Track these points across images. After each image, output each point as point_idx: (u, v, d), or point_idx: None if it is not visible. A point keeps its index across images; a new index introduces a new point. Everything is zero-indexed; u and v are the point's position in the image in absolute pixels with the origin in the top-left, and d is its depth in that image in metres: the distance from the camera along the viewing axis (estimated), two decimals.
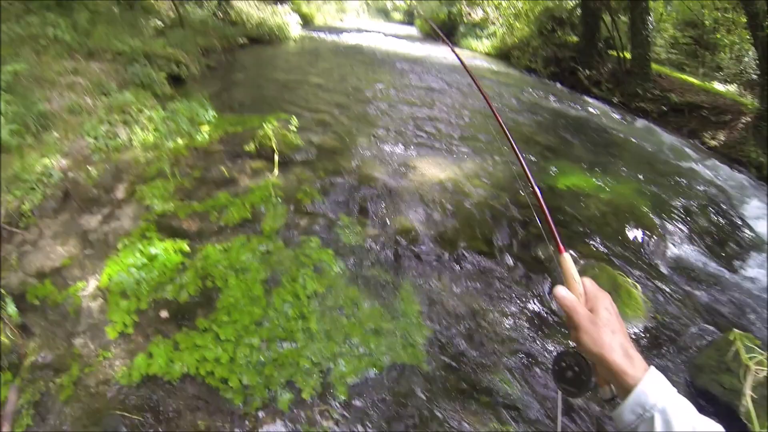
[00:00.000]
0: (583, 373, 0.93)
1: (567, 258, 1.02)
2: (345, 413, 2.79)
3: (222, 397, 2.80)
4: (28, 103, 4.86)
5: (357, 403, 2.85)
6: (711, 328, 3.72)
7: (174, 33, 9.72)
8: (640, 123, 10.30)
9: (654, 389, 0.82)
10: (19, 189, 4.13)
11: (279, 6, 17.31)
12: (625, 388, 0.85)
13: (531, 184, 1.19)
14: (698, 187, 6.52)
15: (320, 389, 2.89)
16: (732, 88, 12.19)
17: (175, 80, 7.84)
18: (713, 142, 9.08)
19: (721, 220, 5.69)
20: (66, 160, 4.73)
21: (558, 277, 3.72)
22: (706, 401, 3.06)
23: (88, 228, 4.04)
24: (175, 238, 3.88)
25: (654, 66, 11.93)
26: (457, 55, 2.01)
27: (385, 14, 45.71)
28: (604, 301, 0.94)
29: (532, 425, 2.83)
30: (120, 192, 4.57)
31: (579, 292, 0.97)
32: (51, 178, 4.30)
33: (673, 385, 0.85)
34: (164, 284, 3.46)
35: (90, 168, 4.70)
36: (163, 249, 3.74)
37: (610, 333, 0.88)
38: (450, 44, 2.16)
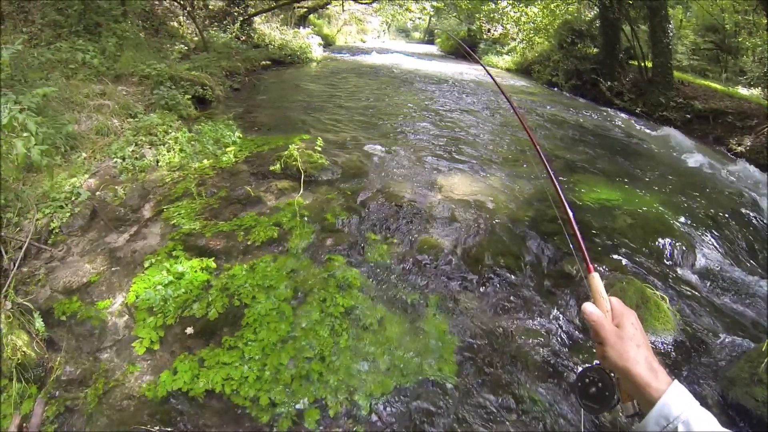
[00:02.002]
0: (606, 389, 0.96)
1: (596, 277, 1.07)
2: (372, 430, 2.76)
3: (248, 414, 2.78)
4: (57, 125, 5.01)
5: (384, 419, 2.81)
6: (743, 339, 3.58)
7: (198, 56, 10.01)
8: (665, 132, 10.15)
9: (677, 401, 0.84)
10: (48, 207, 4.24)
11: (301, 28, 17.70)
12: (648, 401, 0.87)
13: (563, 203, 1.23)
14: (726, 195, 6.36)
15: (348, 406, 2.84)
16: (756, 92, 11.99)
17: (200, 102, 8.03)
18: (740, 148, 8.90)
19: (750, 227, 5.54)
20: (94, 179, 4.86)
21: (585, 292, 3.65)
22: (738, 415, 2.94)
23: (115, 246, 4.11)
24: (201, 257, 3.91)
25: (676, 73, 11.83)
26: (491, 76, 2.04)
27: (405, 34, 46.29)
28: (630, 317, 0.97)
29: None
30: (147, 211, 4.65)
31: (606, 308, 1.01)
32: (79, 196, 4.40)
33: (705, 399, 0.85)
34: (191, 302, 3.47)
35: (117, 187, 4.80)
36: (190, 267, 3.76)
37: (635, 347, 0.92)
38: (483, 65, 2.21)
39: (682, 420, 0.81)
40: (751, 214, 5.89)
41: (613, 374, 0.95)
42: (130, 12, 9.46)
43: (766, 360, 3.03)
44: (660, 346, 3.42)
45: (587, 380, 0.98)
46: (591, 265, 1.09)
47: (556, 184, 1.29)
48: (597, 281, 1.06)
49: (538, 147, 1.48)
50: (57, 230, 4.15)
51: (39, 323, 3.18)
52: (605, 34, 13.20)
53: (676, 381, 0.87)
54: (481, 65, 2.17)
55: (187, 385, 2.86)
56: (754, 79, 12.97)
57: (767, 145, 8.44)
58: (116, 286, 3.65)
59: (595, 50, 14.09)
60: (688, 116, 10.39)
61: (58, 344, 3.18)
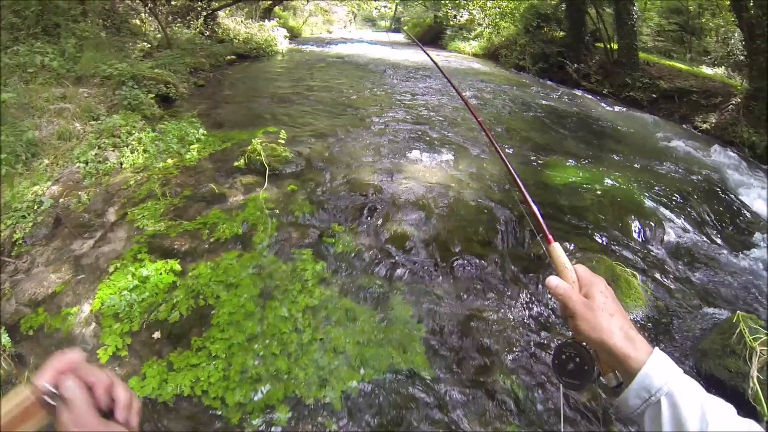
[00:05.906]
0: (585, 363, 0.89)
1: (556, 247, 1.00)
2: (344, 424, 2.75)
3: (219, 416, 2.75)
4: (17, 132, 4.87)
5: (356, 412, 2.81)
6: (714, 311, 3.68)
7: (161, 54, 9.79)
8: (631, 112, 10.33)
9: (659, 372, 0.79)
10: (10, 218, 4.13)
11: (266, 21, 17.41)
12: (629, 372, 0.82)
13: (512, 174, 1.18)
14: (693, 172, 6.50)
15: (318, 401, 2.85)
16: (720, 71, 12.26)
17: (164, 100, 7.84)
18: (705, 126, 9.13)
19: (718, 202, 5.67)
20: (57, 186, 4.74)
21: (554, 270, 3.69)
22: (712, 386, 3.01)
23: (80, 253, 4.02)
24: (166, 259, 3.86)
25: (641, 55, 12.03)
26: (432, 58, 2.08)
27: (372, 23, 45.96)
28: (599, 285, 0.91)
29: (535, 424, 2.79)
30: (111, 215, 4.56)
31: (572, 279, 0.94)
32: (42, 205, 4.29)
33: None
34: (157, 305, 3.43)
35: (81, 193, 4.69)
36: (155, 270, 3.71)
37: (608, 316, 0.86)
38: (424, 49, 2.26)
39: (665, 392, 0.77)
40: (718, 188, 6.02)
41: (589, 346, 0.89)
42: (90, 11, 9.19)
43: (737, 331, 3.10)
44: (632, 322, 3.47)
45: (564, 356, 0.91)
46: (550, 236, 1.02)
47: (499, 150, 1.23)
48: (558, 251, 0.99)
49: (476, 116, 1.46)
50: (20, 241, 4.05)
51: (5, 339, 3.12)
52: (571, 18, 13.31)
53: (656, 349, 0.82)
54: (425, 52, 2.24)
55: (156, 390, 2.83)
56: (717, 58, 13.26)
57: (731, 122, 8.63)
58: (82, 294, 3.58)
59: (562, 33, 14.20)
60: (654, 96, 10.57)
61: (27, 359, 3.11)
